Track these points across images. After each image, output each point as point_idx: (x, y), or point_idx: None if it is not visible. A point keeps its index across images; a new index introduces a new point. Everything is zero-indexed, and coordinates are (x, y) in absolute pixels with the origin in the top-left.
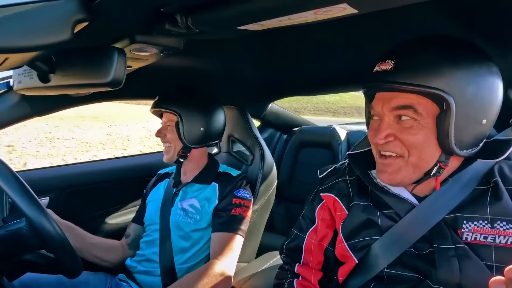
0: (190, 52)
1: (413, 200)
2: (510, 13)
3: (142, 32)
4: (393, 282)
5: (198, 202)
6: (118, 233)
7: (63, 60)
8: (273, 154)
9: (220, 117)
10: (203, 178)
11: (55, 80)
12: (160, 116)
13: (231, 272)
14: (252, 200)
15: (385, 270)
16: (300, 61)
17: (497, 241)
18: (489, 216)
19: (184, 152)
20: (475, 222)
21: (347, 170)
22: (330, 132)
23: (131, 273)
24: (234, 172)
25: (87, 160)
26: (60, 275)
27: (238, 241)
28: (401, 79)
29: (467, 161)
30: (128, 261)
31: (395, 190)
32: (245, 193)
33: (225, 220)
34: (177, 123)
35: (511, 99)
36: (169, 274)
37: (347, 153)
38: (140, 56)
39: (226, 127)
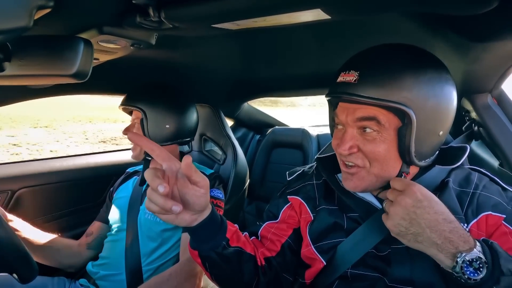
0: (162, 47)
1: (376, 203)
2: (466, 28)
3: (111, 24)
4: (355, 280)
5: None
6: (80, 235)
7: (21, 48)
8: (245, 153)
9: (191, 115)
10: None
11: (10, 69)
12: (130, 113)
13: (201, 273)
14: (224, 199)
15: (349, 270)
16: (275, 62)
17: None
18: None
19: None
20: None
21: (315, 173)
22: (301, 133)
23: (93, 279)
24: (207, 171)
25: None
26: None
27: None
28: (364, 93)
29: (426, 167)
30: (89, 266)
31: (360, 194)
32: (218, 192)
33: None
34: (141, 120)
35: (464, 108)
36: (135, 276)
37: (315, 156)
38: (108, 48)
39: (199, 126)
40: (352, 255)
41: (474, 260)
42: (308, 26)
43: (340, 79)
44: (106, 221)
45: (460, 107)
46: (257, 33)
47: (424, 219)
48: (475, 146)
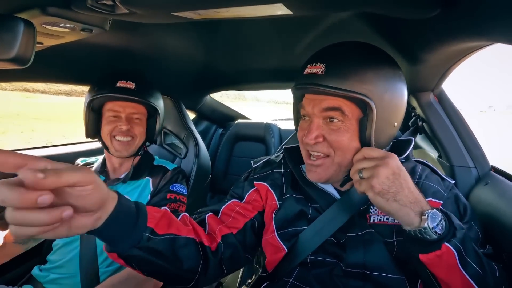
0: (118, 34)
1: (335, 194)
2: (414, 31)
3: (56, 4)
4: (314, 267)
5: (130, 198)
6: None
7: None
8: (208, 147)
9: None
10: (136, 173)
11: None
12: (101, 103)
13: None
14: (187, 193)
15: (309, 257)
16: (238, 55)
17: (396, 220)
18: None
19: (144, 147)
20: None
21: (283, 162)
22: (264, 127)
23: (40, 283)
24: (170, 166)
25: None
26: None
27: None
28: (331, 84)
29: None
30: (36, 270)
31: (322, 185)
32: (181, 187)
33: None
34: (150, 118)
35: (410, 105)
36: (91, 278)
37: (283, 146)
38: (54, 32)
39: None
40: (312, 243)
41: (436, 217)
42: (272, 21)
43: (307, 70)
44: None
45: (408, 103)
46: (220, 25)
47: (404, 180)
48: (419, 140)
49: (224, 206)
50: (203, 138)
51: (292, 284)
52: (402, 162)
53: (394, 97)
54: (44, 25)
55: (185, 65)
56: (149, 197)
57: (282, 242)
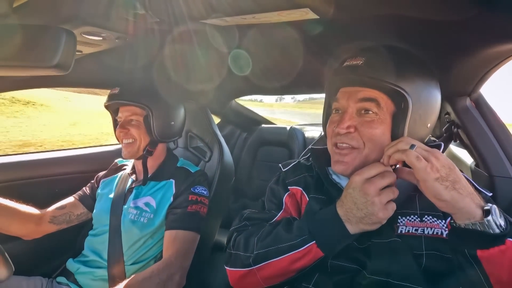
0: (149, 42)
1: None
2: (450, 33)
3: (95, 15)
4: (335, 272)
5: (154, 199)
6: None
7: None
8: (232, 151)
9: (183, 111)
10: (160, 174)
11: None
12: (115, 110)
13: (184, 270)
14: (209, 196)
15: (329, 261)
16: (263, 59)
17: (426, 232)
18: (418, 212)
19: (152, 147)
20: (408, 217)
21: (313, 166)
22: (288, 132)
23: (72, 274)
24: (193, 169)
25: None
26: None
27: (193, 238)
28: (370, 74)
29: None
30: (70, 262)
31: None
32: (202, 189)
33: (180, 217)
34: (146, 117)
35: (445, 110)
36: (118, 273)
37: (310, 147)
38: (92, 40)
39: (185, 123)
40: None
41: (499, 211)
42: (297, 25)
43: (346, 63)
44: (86, 204)
45: (441, 109)
46: (246, 30)
47: (457, 171)
48: (454, 147)
49: (275, 219)
50: (227, 142)
51: None
52: None
53: (430, 98)
54: (83, 35)
55: (210, 71)
56: (171, 199)
57: None
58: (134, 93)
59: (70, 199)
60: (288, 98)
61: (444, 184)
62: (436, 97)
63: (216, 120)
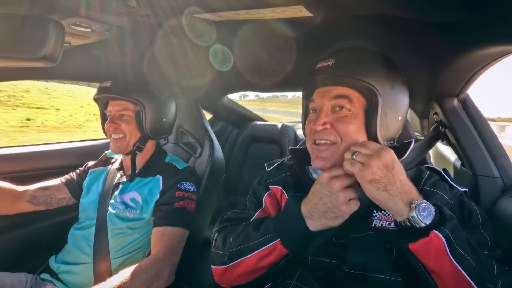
0: (140, 35)
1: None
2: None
3: (85, 6)
4: (316, 268)
5: (140, 195)
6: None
7: None
8: (223, 147)
9: (174, 107)
10: (147, 170)
11: None
12: (105, 104)
13: (173, 267)
14: (197, 192)
15: (309, 257)
16: (256, 56)
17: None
18: None
19: (142, 144)
20: (382, 211)
21: (293, 165)
22: (279, 129)
23: (55, 273)
24: (181, 165)
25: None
26: None
27: (181, 234)
28: (341, 73)
29: None
30: (52, 260)
31: None
32: (189, 185)
33: (167, 214)
34: (138, 113)
35: (433, 110)
36: (104, 268)
37: (290, 148)
38: (81, 32)
39: (176, 118)
40: None
41: (426, 206)
42: (291, 22)
43: (318, 66)
44: (70, 188)
45: (430, 109)
46: (239, 26)
47: (397, 173)
48: (441, 146)
49: (253, 218)
50: (219, 139)
51: (294, 286)
52: (409, 169)
53: (397, 92)
54: (72, 26)
55: (202, 66)
56: (158, 195)
57: None
58: (126, 87)
59: (56, 181)
60: (251, 95)
61: (375, 186)
62: (403, 92)
63: (208, 116)
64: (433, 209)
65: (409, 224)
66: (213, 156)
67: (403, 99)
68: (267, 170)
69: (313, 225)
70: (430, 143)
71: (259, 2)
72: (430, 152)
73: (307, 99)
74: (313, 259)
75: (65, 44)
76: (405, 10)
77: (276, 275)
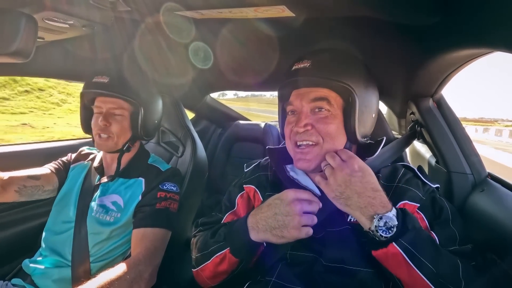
0: (119, 31)
1: (316, 191)
2: (416, 38)
3: (59, 0)
4: (295, 263)
5: (122, 198)
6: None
7: None
8: (206, 147)
9: (161, 107)
10: (129, 171)
11: None
12: (92, 99)
13: (154, 268)
14: (180, 192)
15: (288, 252)
16: (238, 55)
17: None
18: None
19: (132, 143)
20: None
21: (269, 165)
22: (263, 128)
23: (29, 276)
24: (164, 167)
25: None
26: None
27: (163, 236)
28: (319, 74)
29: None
30: (26, 263)
31: (303, 182)
32: (171, 185)
33: (148, 215)
34: (134, 113)
35: (410, 110)
36: (83, 271)
37: (267, 147)
38: (55, 27)
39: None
40: None
41: (387, 221)
42: (273, 22)
43: (294, 67)
44: (59, 177)
45: (407, 109)
46: (221, 24)
47: (355, 187)
48: (418, 145)
49: (222, 221)
50: (202, 138)
51: (274, 283)
52: (385, 167)
53: (371, 90)
54: (46, 20)
55: (183, 64)
56: (140, 197)
57: None
58: (125, 85)
59: (45, 169)
60: (230, 94)
61: (338, 202)
62: (375, 90)
63: (191, 115)
64: (395, 221)
65: (371, 235)
66: (196, 155)
67: (375, 97)
68: (245, 171)
69: (257, 236)
70: (407, 141)
71: (242, 1)
72: (407, 150)
73: (283, 100)
74: (292, 254)
75: (38, 39)
76: (382, 14)
77: (256, 272)
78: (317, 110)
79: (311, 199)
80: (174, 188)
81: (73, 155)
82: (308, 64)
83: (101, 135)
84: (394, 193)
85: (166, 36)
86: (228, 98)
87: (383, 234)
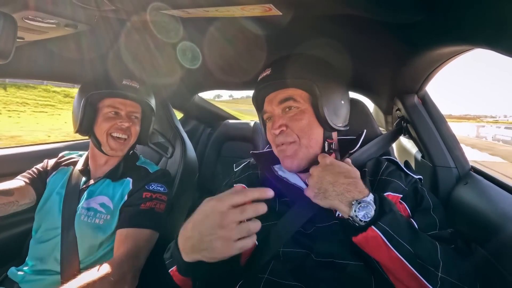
0: (104, 31)
1: (305, 188)
2: (401, 35)
3: None
4: (287, 260)
5: (111, 200)
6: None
7: None
8: (196, 147)
9: None
10: (118, 172)
11: None
12: (97, 99)
13: (137, 270)
14: (169, 193)
15: (281, 249)
16: (226, 54)
17: None
18: None
19: (134, 147)
20: None
21: (259, 167)
22: (252, 127)
23: (16, 283)
24: (152, 168)
25: None
26: None
27: (147, 236)
28: (280, 78)
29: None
30: (13, 270)
31: (292, 180)
32: (159, 186)
33: (132, 215)
34: (145, 118)
35: (396, 106)
36: (73, 277)
37: (251, 152)
38: (36, 27)
39: None
40: (283, 235)
41: (364, 204)
42: (261, 21)
43: (259, 78)
44: (36, 188)
45: (393, 105)
46: (208, 23)
47: (328, 178)
48: (404, 140)
49: None
50: (191, 138)
51: (267, 280)
52: (369, 160)
53: (333, 78)
54: (26, 20)
55: (171, 64)
56: (126, 197)
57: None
58: (148, 92)
59: (19, 182)
60: (225, 95)
61: (319, 198)
62: (338, 77)
63: (179, 115)
64: (372, 206)
65: (350, 221)
66: (185, 156)
67: (340, 84)
68: (235, 170)
69: (189, 257)
70: (393, 137)
71: (228, 0)
72: (394, 145)
73: (260, 111)
74: (284, 251)
75: (18, 40)
76: (367, 12)
77: (249, 270)
78: (287, 109)
79: (244, 199)
80: (161, 189)
81: (50, 161)
82: (269, 72)
83: (119, 135)
84: (378, 185)
85: (153, 35)
86: (223, 100)
87: (362, 219)
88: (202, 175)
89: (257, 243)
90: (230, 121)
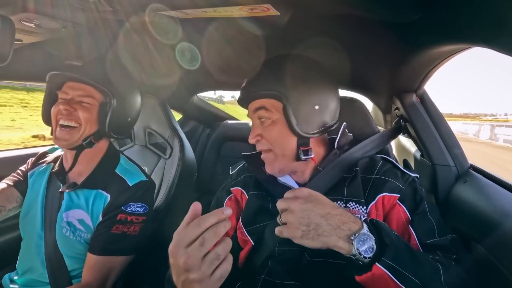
0: (102, 32)
1: (296, 187)
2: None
3: (37, 1)
4: (282, 260)
5: (89, 216)
6: None
7: None
8: (195, 148)
9: (140, 107)
10: (94, 181)
11: None
12: (59, 85)
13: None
14: (149, 210)
15: (276, 249)
16: (225, 55)
17: None
18: (345, 198)
19: (96, 139)
20: (335, 202)
21: (250, 169)
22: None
23: None
24: (132, 180)
25: None
26: None
27: (115, 263)
28: (251, 90)
29: (333, 154)
30: (6, 279)
31: (283, 179)
32: (138, 206)
33: (100, 240)
34: (103, 105)
35: (394, 105)
36: (62, 283)
37: (242, 154)
38: (33, 29)
39: (143, 118)
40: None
41: (364, 237)
42: (259, 21)
43: (241, 89)
44: (20, 190)
45: (392, 104)
46: (206, 24)
47: (317, 210)
48: (403, 139)
49: None
50: (190, 139)
51: (264, 280)
52: (362, 158)
53: (306, 85)
54: (23, 22)
55: (169, 64)
56: (100, 217)
57: (249, 236)
58: (99, 73)
59: (2, 185)
60: (227, 96)
61: (309, 237)
62: (314, 83)
63: (178, 116)
64: (371, 238)
65: (354, 259)
66: (184, 156)
67: (315, 89)
68: (230, 173)
69: None
70: (391, 135)
71: (226, 0)
72: (393, 144)
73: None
74: (279, 250)
75: (15, 42)
76: (365, 11)
77: (246, 272)
78: (262, 120)
79: (200, 230)
80: (141, 210)
81: (33, 160)
82: (245, 84)
83: (64, 123)
84: (372, 185)
85: (149, 36)
86: (226, 100)
87: (365, 255)
88: (202, 175)
89: (253, 243)
90: (229, 121)
